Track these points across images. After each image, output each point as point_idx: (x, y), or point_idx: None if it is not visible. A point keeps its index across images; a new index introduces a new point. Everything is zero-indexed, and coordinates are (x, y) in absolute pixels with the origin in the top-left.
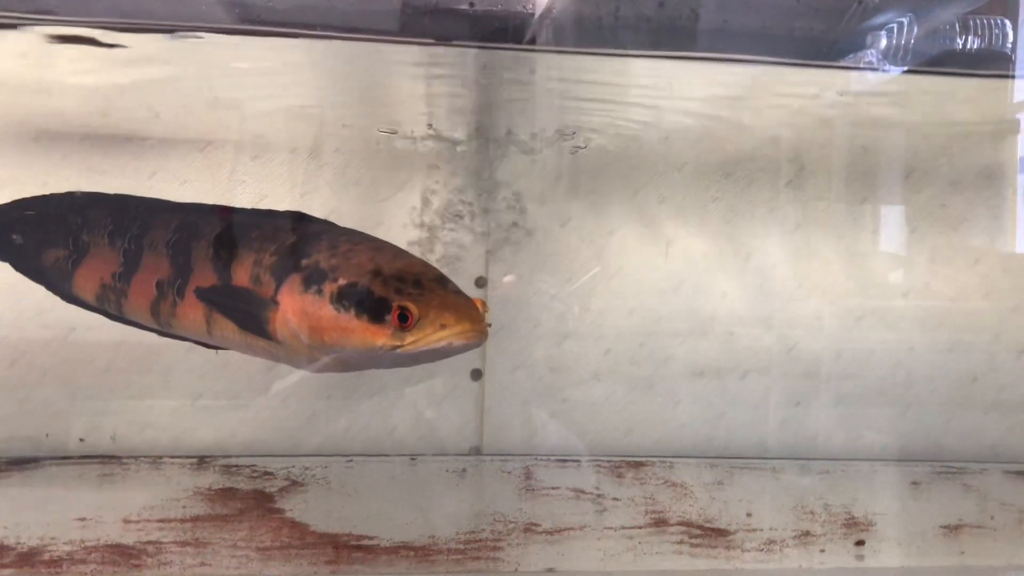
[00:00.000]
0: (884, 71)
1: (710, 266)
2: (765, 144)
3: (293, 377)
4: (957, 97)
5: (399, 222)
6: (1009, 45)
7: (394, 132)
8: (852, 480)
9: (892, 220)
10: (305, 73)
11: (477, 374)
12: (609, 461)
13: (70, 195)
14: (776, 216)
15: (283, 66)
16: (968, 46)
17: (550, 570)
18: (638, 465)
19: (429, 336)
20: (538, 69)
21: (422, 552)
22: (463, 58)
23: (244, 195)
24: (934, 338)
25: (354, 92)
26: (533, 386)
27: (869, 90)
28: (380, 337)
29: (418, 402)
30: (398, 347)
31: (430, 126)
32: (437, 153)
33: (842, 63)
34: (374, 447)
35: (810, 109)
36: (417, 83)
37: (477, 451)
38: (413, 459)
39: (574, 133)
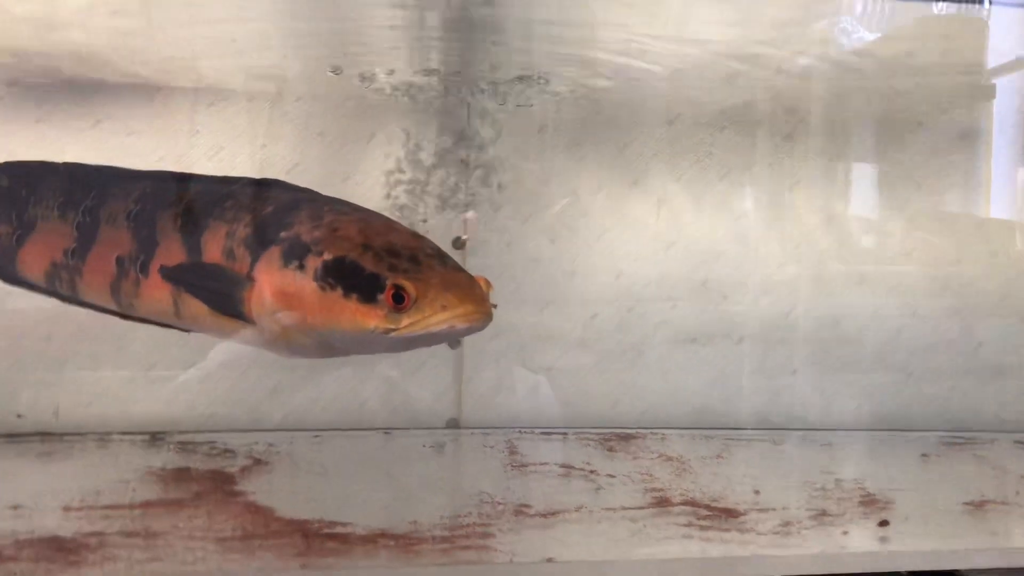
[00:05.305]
0: None
1: (703, 226)
2: (763, 93)
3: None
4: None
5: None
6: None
7: None
8: (857, 452)
9: (893, 178)
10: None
11: (455, 342)
12: (598, 434)
13: (12, 164)
14: (773, 173)
15: None
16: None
17: (549, 560)
18: (628, 437)
19: (428, 319)
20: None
21: (403, 541)
22: None
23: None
24: (938, 303)
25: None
26: (515, 355)
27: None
28: (372, 319)
29: (391, 372)
30: (392, 331)
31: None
32: (408, 102)
33: None
34: (343, 421)
35: (812, 55)
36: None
37: (455, 424)
38: (387, 433)
39: (548, 81)
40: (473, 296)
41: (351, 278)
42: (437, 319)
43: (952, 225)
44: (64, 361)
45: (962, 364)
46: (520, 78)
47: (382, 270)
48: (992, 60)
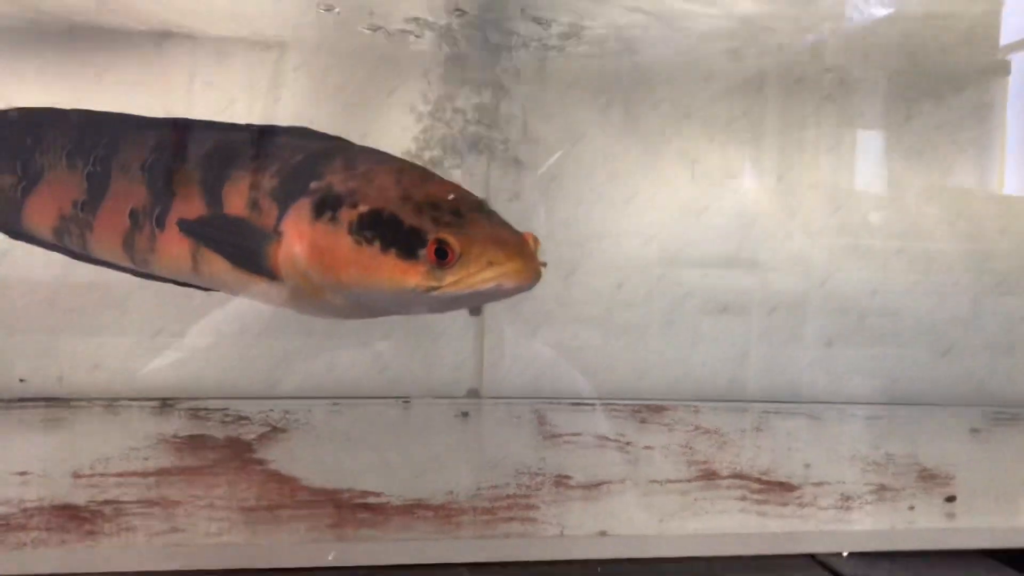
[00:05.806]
0: None
1: (737, 190)
2: (802, 52)
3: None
4: None
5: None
6: None
7: None
8: (902, 426)
9: (935, 143)
10: None
11: (476, 308)
12: (626, 405)
13: (17, 110)
14: (811, 135)
15: None
16: None
17: (602, 533)
18: (659, 409)
19: (473, 276)
20: None
21: (442, 512)
22: None
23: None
24: (978, 276)
25: None
26: (538, 322)
27: None
28: (412, 276)
29: (410, 339)
30: (434, 289)
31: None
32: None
33: None
34: (360, 388)
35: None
36: None
37: (476, 394)
38: (406, 402)
39: (579, 31)
40: (522, 252)
41: (390, 232)
42: (483, 277)
43: (993, 198)
44: (68, 325)
45: (1003, 339)
46: (548, 26)
47: (423, 223)
48: None
